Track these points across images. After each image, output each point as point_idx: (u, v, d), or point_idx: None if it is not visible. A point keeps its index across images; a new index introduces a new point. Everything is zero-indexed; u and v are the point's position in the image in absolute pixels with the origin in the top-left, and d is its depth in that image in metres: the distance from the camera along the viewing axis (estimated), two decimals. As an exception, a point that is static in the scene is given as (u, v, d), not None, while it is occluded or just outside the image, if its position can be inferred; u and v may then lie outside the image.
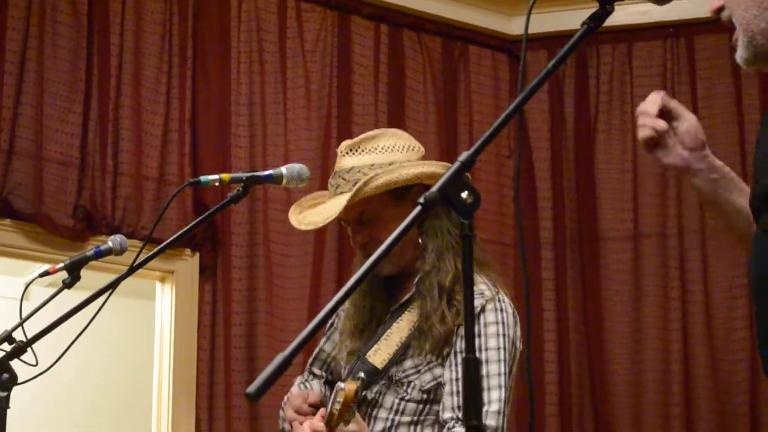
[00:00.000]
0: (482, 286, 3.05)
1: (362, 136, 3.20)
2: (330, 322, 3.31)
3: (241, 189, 2.96)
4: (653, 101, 2.30)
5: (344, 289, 1.76)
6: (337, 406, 2.76)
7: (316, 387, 3.24)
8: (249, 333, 4.93)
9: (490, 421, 2.92)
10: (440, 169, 3.07)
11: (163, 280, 5.03)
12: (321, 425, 2.87)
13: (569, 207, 5.60)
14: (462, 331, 2.93)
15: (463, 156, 1.88)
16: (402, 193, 3.11)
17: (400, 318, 3.09)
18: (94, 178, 4.76)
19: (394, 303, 3.14)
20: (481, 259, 3.13)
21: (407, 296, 3.11)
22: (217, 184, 2.94)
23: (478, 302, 3.00)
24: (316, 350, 3.36)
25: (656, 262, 5.47)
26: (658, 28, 5.63)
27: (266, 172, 3.00)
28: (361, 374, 2.98)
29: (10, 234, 4.67)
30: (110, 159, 4.80)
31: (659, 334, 5.39)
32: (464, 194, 1.87)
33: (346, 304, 3.19)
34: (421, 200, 1.84)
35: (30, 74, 4.69)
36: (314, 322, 1.74)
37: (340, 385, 2.76)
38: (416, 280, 3.07)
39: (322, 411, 2.91)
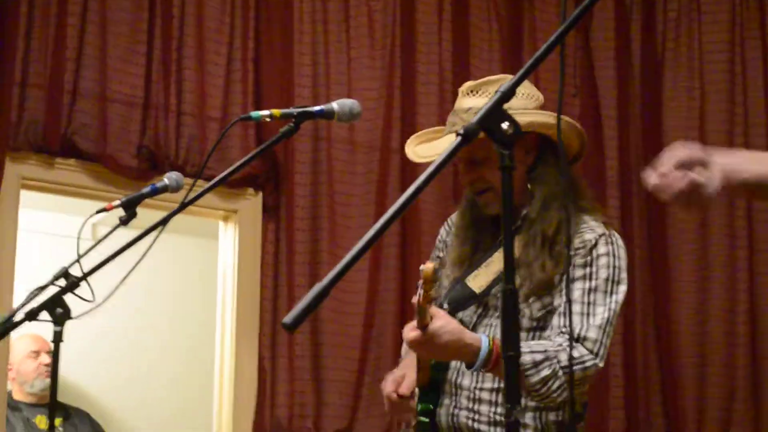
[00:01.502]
0: (593, 223, 3.09)
1: (485, 79, 3.23)
2: (437, 254, 3.36)
3: (293, 124, 2.95)
4: (669, 158, 2.17)
5: (379, 223, 1.77)
6: (421, 291, 2.74)
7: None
8: (312, 272, 4.93)
9: (590, 333, 2.96)
10: (552, 120, 3.06)
11: (226, 219, 5.06)
12: (411, 333, 2.82)
13: (635, 149, 5.51)
14: (576, 261, 3.00)
15: (504, 86, 1.88)
16: None
17: (502, 249, 3.10)
18: (157, 118, 4.78)
19: (499, 236, 3.14)
20: (590, 204, 3.17)
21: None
22: (268, 119, 2.91)
23: (592, 236, 3.05)
24: None
25: (723, 212, 5.39)
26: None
27: (317, 108, 2.97)
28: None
29: (75, 174, 4.71)
30: (174, 99, 4.81)
31: (725, 287, 5.35)
32: (504, 125, 1.86)
33: (452, 237, 3.26)
34: (461, 131, 1.84)
35: (93, 15, 4.70)
36: (351, 254, 1.74)
37: (421, 267, 2.75)
38: (521, 218, 3.09)
39: (413, 323, 2.89)
